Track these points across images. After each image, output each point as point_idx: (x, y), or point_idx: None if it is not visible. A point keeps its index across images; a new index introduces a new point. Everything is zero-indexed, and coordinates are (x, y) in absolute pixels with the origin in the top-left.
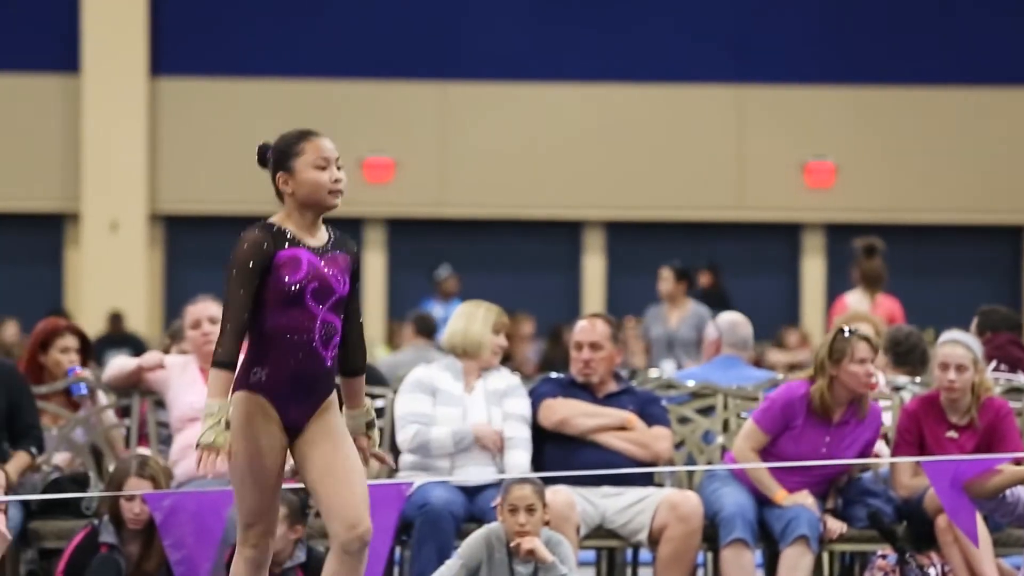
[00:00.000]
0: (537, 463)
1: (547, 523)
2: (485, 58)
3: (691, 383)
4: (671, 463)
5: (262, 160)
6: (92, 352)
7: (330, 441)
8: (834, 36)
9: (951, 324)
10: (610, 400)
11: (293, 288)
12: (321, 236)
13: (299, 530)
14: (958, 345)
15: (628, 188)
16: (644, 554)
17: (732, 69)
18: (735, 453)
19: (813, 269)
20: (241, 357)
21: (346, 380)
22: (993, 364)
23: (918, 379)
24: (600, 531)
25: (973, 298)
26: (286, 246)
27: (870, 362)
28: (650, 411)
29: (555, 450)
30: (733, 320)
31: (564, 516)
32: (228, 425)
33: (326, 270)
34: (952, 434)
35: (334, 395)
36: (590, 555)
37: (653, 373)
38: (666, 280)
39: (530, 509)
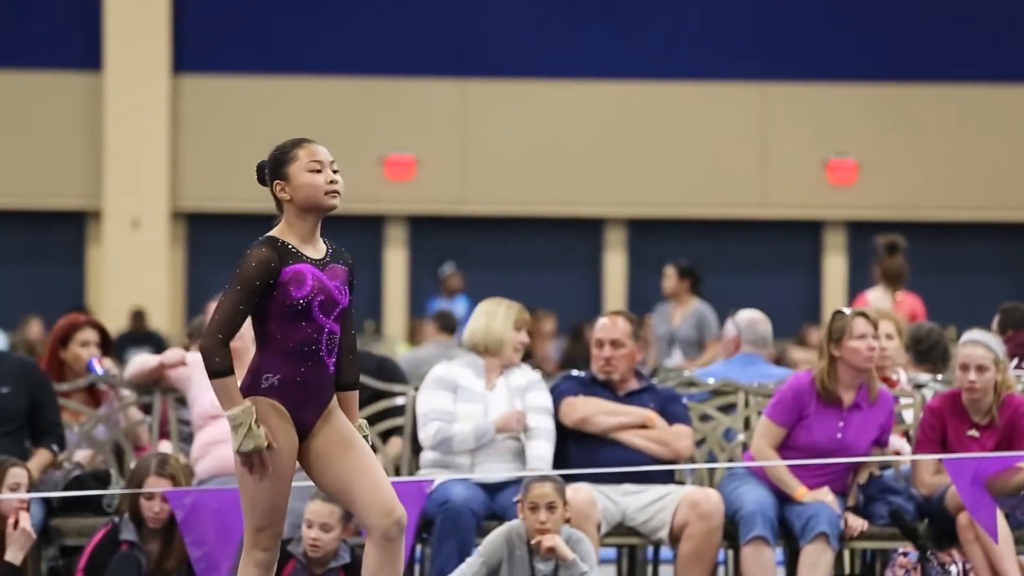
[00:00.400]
0: (558, 461)
1: (568, 520)
2: (506, 55)
3: (712, 381)
4: (692, 461)
5: (260, 178)
6: (112, 347)
7: (344, 440)
8: (856, 33)
9: (973, 321)
10: (631, 398)
11: (301, 303)
12: (320, 248)
13: (350, 530)
14: (979, 346)
15: (650, 185)
16: (665, 551)
17: (754, 66)
18: (753, 451)
19: (835, 266)
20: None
21: (340, 394)
22: (1015, 362)
23: (939, 377)
24: (621, 528)
25: (995, 295)
26: (290, 262)
27: (871, 337)
28: (671, 409)
29: (576, 448)
30: (752, 318)
31: (585, 513)
32: (258, 424)
33: (329, 283)
34: (974, 432)
35: (336, 398)
36: (611, 552)
37: (672, 369)
38: (669, 278)
39: (551, 507)
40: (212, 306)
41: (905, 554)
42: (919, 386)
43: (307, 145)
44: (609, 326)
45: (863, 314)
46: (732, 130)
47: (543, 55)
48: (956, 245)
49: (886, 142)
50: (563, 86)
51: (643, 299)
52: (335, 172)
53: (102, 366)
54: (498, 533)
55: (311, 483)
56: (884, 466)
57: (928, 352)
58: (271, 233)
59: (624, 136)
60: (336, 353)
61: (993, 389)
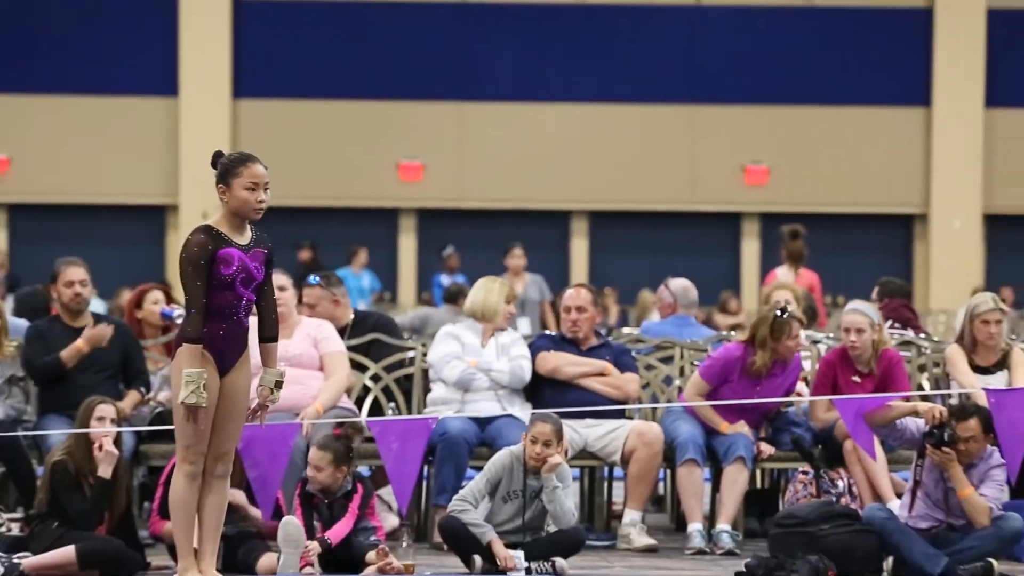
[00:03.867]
0: (534, 402)
1: (565, 453)
2: (494, 84)
3: (654, 339)
4: (639, 401)
5: (214, 164)
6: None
7: (231, 394)
8: (766, 66)
9: (858, 292)
10: (591, 352)
11: (227, 278)
12: (247, 236)
13: (344, 470)
14: (857, 313)
15: (606, 185)
16: (617, 471)
17: (687, 93)
18: (684, 397)
19: (750, 249)
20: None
21: (262, 345)
22: (889, 323)
23: (830, 334)
24: (583, 453)
25: (874, 271)
26: (222, 246)
27: (799, 337)
28: (622, 360)
29: (549, 391)
30: (684, 285)
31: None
32: (204, 389)
33: (250, 264)
34: (857, 379)
35: (248, 352)
36: (576, 472)
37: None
38: (517, 256)
39: (547, 444)
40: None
41: (804, 472)
42: (815, 341)
43: (251, 165)
44: (574, 296)
45: (799, 320)
46: (670, 142)
47: (523, 83)
48: (844, 232)
49: (790, 152)
50: (539, 107)
51: (601, 275)
52: (266, 191)
53: (171, 308)
54: (503, 454)
55: (315, 435)
56: (788, 405)
57: (807, 315)
58: (208, 222)
59: (586, 146)
60: (250, 316)
61: (871, 346)
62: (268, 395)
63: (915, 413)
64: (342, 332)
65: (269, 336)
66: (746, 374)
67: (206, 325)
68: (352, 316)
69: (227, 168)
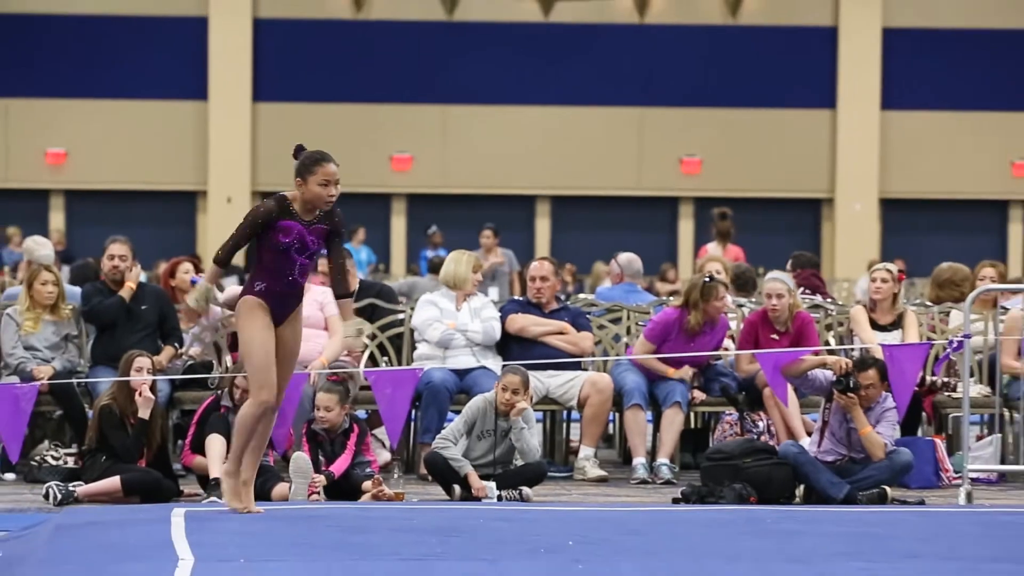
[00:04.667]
0: (504, 356)
1: (531, 399)
2: (473, 89)
3: (605, 303)
4: (593, 355)
5: (295, 156)
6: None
7: (286, 342)
8: (700, 74)
9: (775, 264)
10: (553, 314)
11: (283, 245)
12: (313, 214)
13: (346, 407)
14: (777, 281)
15: (566, 173)
16: (574, 415)
17: (634, 97)
18: (635, 353)
19: (686, 228)
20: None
21: (336, 301)
22: (801, 290)
23: (752, 299)
24: (545, 399)
25: (788, 246)
26: (286, 218)
27: (725, 299)
28: (579, 322)
29: (516, 347)
30: (630, 258)
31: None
32: (206, 297)
33: (308, 236)
34: (775, 336)
35: (301, 306)
36: (539, 415)
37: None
38: (487, 236)
39: (515, 391)
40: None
41: (730, 415)
42: (740, 305)
43: (325, 164)
44: (539, 267)
45: (725, 284)
46: (620, 138)
47: (497, 89)
48: (764, 213)
49: (720, 146)
50: (510, 109)
51: (561, 249)
52: (336, 186)
53: (199, 276)
54: (478, 399)
55: (320, 383)
56: (718, 358)
57: (744, 284)
58: (286, 192)
59: (550, 142)
60: (306, 277)
61: (788, 308)
62: (351, 344)
63: (824, 365)
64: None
65: (338, 292)
66: (682, 332)
67: (266, 282)
68: (358, 284)
69: (304, 165)
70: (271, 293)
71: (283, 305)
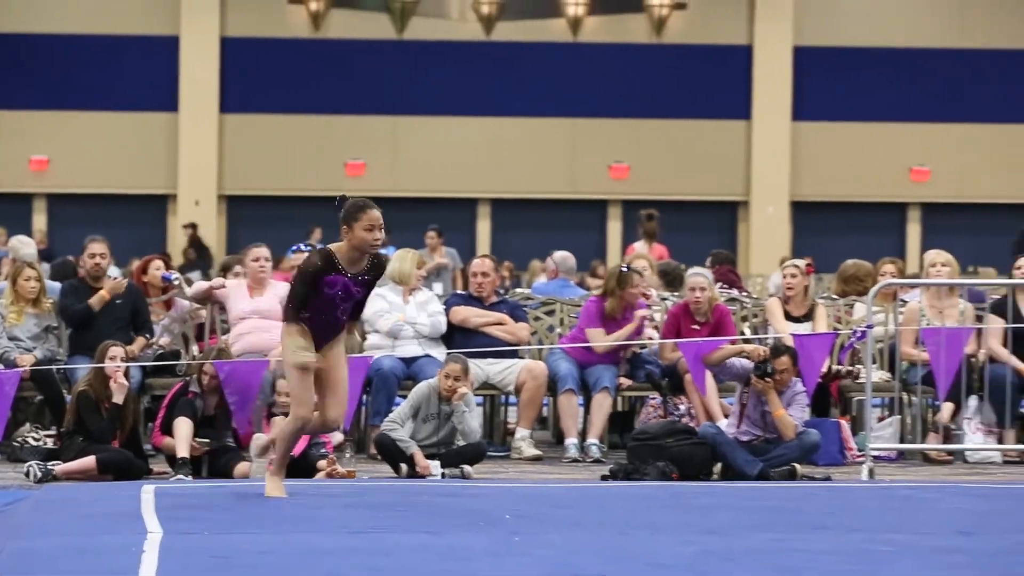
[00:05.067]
0: (448, 345)
1: (472, 384)
2: (419, 102)
3: (540, 297)
4: (529, 344)
5: (338, 207)
6: (173, 268)
7: (332, 363)
8: (626, 88)
9: (696, 261)
10: (493, 307)
11: (328, 296)
12: (360, 266)
13: None
14: (699, 276)
15: (505, 178)
16: (512, 399)
17: (567, 108)
18: (590, 340)
19: (614, 228)
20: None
21: (347, 323)
22: (719, 285)
23: (676, 294)
24: (485, 385)
25: (708, 245)
26: (332, 272)
27: (640, 287)
28: (516, 313)
29: (459, 337)
30: (564, 255)
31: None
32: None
33: (352, 287)
34: (696, 327)
35: (343, 334)
36: (479, 399)
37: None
38: (432, 237)
39: (456, 378)
40: (252, 250)
41: (654, 399)
42: (664, 298)
43: (369, 211)
44: (480, 264)
45: (639, 273)
46: (555, 146)
47: (442, 101)
48: (685, 214)
49: (646, 154)
50: (454, 120)
51: (501, 248)
52: (381, 230)
53: (170, 272)
54: (423, 386)
55: (279, 370)
56: (642, 346)
57: (671, 280)
58: (331, 246)
59: (491, 150)
60: (345, 316)
61: (708, 301)
62: (349, 342)
63: (741, 353)
64: None
65: (352, 318)
66: (604, 318)
67: (313, 316)
68: None
69: (350, 213)
70: (314, 323)
71: (324, 336)
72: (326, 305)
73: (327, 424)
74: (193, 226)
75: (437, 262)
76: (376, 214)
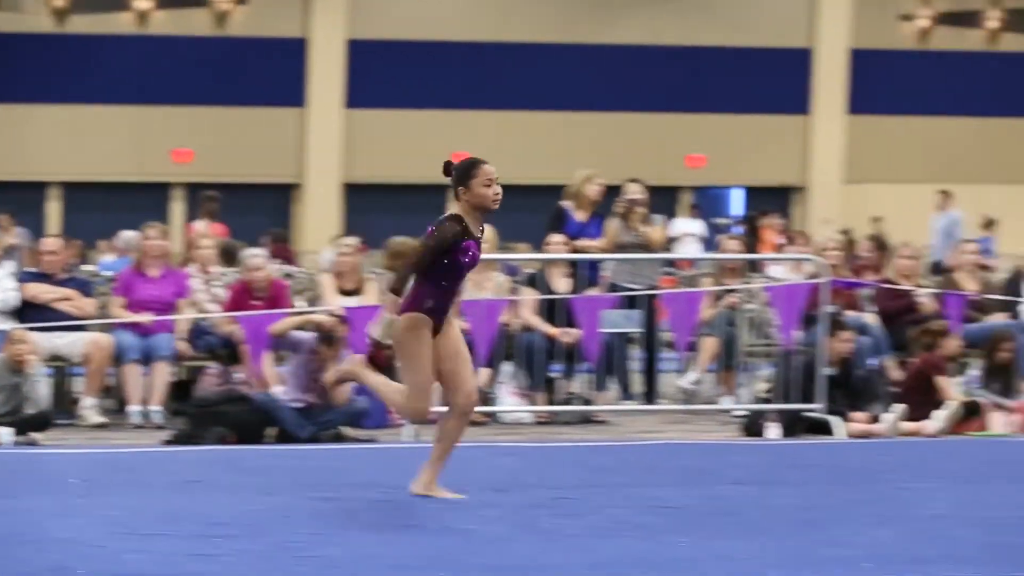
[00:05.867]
0: (21, 319)
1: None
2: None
3: (107, 273)
4: (95, 318)
5: (447, 172)
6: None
7: (450, 342)
8: (194, 78)
9: (254, 240)
10: (63, 283)
11: (461, 264)
12: (479, 228)
13: None
14: (256, 257)
15: (80, 165)
16: (79, 369)
17: (135, 96)
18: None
19: (178, 209)
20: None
21: (392, 295)
22: (278, 261)
23: (234, 269)
24: (55, 356)
25: (266, 224)
26: (467, 238)
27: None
28: (84, 289)
29: (30, 311)
30: (130, 235)
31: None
32: (390, 324)
33: (478, 252)
34: (256, 301)
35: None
36: (48, 370)
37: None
38: (4, 219)
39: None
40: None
41: (213, 368)
42: (223, 274)
43: (483, 167)
44: (50, 243)
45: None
46: (120, 132)
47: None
48: (245, 196)
49: (208, 139)
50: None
51: (73, 229)
52: (497, 183)
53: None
54: None
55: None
56: (204, 319)
57: (230, 257)
58: (457, 212)
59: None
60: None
61: (265, 278)
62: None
63: (305, 324)
64: None
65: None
66: (140, 278)
67: (435, 299)
68: None
69: (464, 171)
70: (438, 310)
71: (446, 309)
72: (455, 277)
73: (464, 409)
74: None
75: (9, 242)
76: (491, 168)
